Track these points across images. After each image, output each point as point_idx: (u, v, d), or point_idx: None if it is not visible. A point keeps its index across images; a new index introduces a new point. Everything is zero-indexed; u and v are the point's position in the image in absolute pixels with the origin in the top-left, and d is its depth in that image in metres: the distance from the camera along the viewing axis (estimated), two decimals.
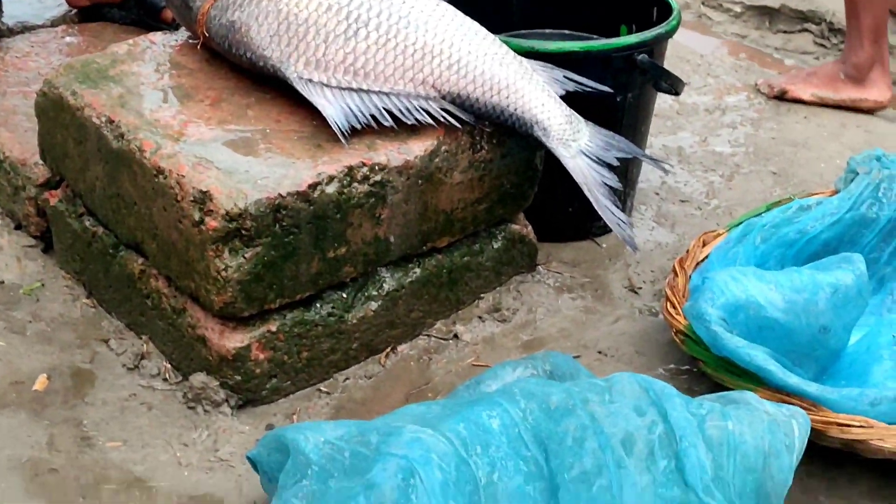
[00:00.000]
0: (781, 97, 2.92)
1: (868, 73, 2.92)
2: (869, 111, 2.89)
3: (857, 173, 2.22)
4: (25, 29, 2.86)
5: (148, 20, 2.92)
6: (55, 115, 2.17)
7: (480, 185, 2.13)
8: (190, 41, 2.25)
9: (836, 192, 2.24)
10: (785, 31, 3.30)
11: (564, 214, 2.39)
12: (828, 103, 2.90)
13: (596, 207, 2.02)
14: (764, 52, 3.23)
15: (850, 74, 2.93)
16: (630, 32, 2.49)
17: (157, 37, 2.29)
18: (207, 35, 2.15)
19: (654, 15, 2.44)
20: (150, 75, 2.17)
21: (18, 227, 2.42)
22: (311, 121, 2.04)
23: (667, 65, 2.38)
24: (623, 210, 2.42)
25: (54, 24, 2.90)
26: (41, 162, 2.29)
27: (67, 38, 2.80)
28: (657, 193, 2.58)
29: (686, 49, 3.17)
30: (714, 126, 2.83)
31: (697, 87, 3.00)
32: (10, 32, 2.83)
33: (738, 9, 3.39)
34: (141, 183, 1.99)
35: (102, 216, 2.16)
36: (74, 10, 2.97)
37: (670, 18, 2.31)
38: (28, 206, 2.37)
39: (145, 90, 2.13)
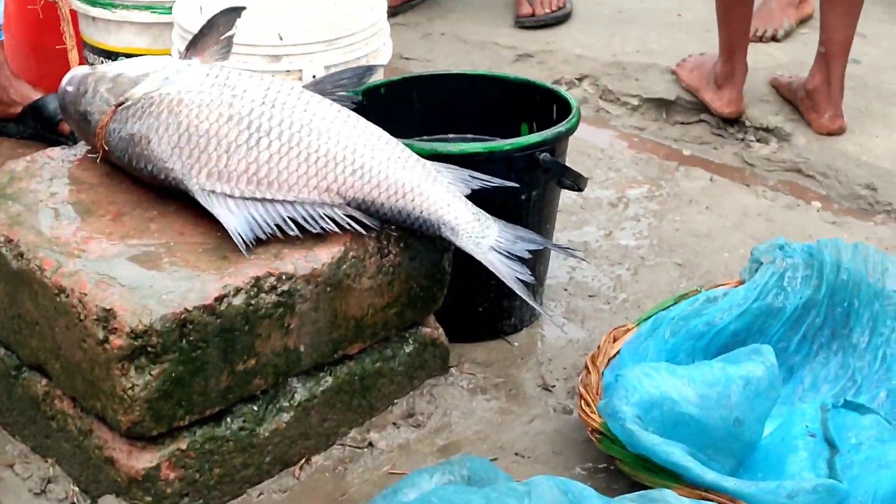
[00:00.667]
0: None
1: (723, 84, 3.22)
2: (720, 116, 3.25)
3: (762, 263, 2.24)
4: None
5: (45, 134, 2.89)
6: None
7: (390, 289, 2.11)
8: (89, 155, 2.22)
9: (742, 282, 2.26)
10: (682, 123, 3.35)
11: (474, 314, 2.38)
12: (694, 95, 3.33)
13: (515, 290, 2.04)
14: (663, 143, 3.28)
15: (716, 80, 3.24)
16: (531, 131, 2.50)
17: (56, 152, 2.26)
18: (107, 149, 2.12)
19: (554, 112, 2.46)
20: (48, 192, 2.14)
21: None
22: (216, 232, 2.01)
23: (569, 160, 2.40)
24: (531, 308, 2.44)
25: None
26: None
27: None
28: (565, 289, 2.58)
29: (587, 143, 3.19)
30: (618, 219, 2.86)
31: (600, 182, 3.02)
32: None
33: (635, 101, 3.44)
34: (42, 302, 1.95)
35: (3, 337, 2.11)
36: None
37: (570, 116, 2.33)
38: None
39: (44, 207, 2.09)
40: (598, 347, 2.19)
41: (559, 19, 3.87)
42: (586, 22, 3.89)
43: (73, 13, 2.73)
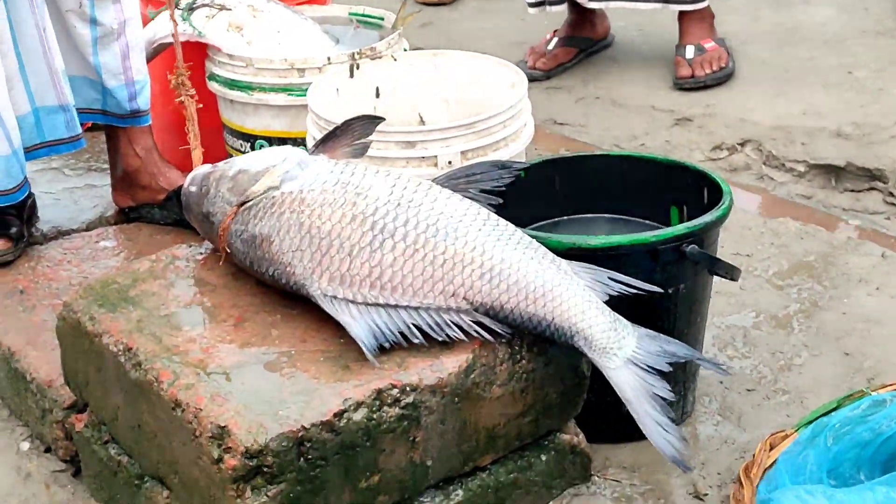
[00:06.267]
0: None
1: None
2: None
3: None
4: (60, 234, 2.80)
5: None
6: (75, 340, 2.08)
7: (524, 397, 1.98)
8: (215, 254, 2.15)
9: None
10: (852, 190, 3.15)
11: (619, 412, 2.23)
12: None
13: (641, 426, 1.86)
14: (830, 213, 3.07)
15: None
16: (681, 214, 2.35)
17: (181, 251, 2.20)
18: (229, 251, 2.05)
19: (705, 195, 2.30)
20: (171, 295, 2.08)
21: (48, 450, 2.32)
22: (339, 338, 1.92)
23: (727, 234, 2.23)
24: (683, 407, 2.28)
25: (89, 227, 2.85)
26: None
27: (102, 243, 2.74)
28: (721, 382, 2.41)
29: (747, 214, 3.02)
30: (780, 302, 2.67)
31: (761, 258, 2.84)
32: (45, 238, 2.78)
33: (801, 168, 3.25)
34: (160, 415, 1.88)
35: (126, 446, 2.05)
36: (112, 212, 2.90)
37: (720, 204, 2.17)
38: (56, 429, 2.28)
39: (166, 311, 2.03)
40: (754, 456, 2.02)
41: (720, 80, 3.69)
42: (749, 82, 3.70)
43: (201, 111, 2.69)
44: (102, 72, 2.71)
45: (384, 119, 2.16)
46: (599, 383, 2.08)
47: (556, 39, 3.95)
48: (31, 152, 2.65)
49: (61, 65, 2.61)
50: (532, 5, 3.86)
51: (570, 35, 3.96)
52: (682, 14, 3.77)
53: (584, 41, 3.99)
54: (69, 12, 2.63)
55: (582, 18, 3.96)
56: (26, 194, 2.67)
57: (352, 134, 2.10)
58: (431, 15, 4.46)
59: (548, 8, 3.82)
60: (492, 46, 4.05)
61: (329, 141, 2.10)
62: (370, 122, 2.12)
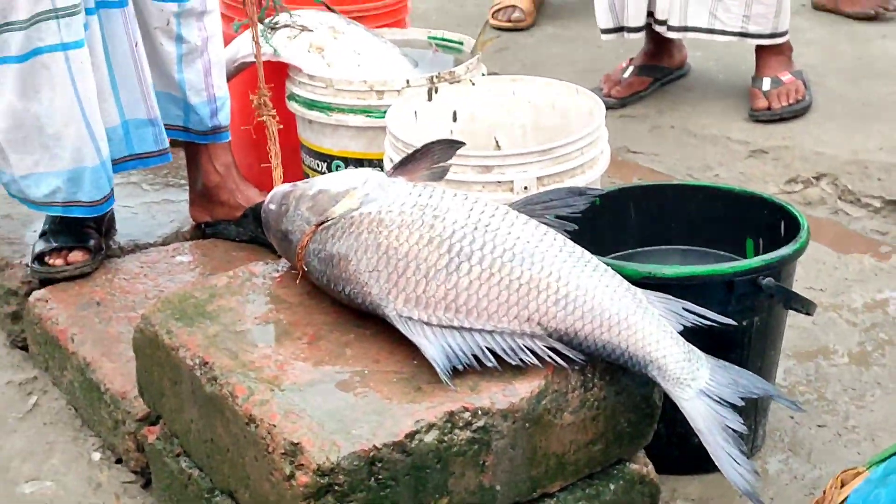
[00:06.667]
0: None
1: None
2: None
3: None
4: (137, 247, 2.84)
5: (263, 237, 2.87)
6: (151, 353, 2.10)
7: (594, 425, 1.98)
8: (292, 271, 2.17)
9: None
10: None
11: (689, 444, 2.22)
12: None
13: (713, 458, 1.85)
14: None
15: None
16: (757, 246, 2.34)
17: (259, 267, 2.22)
18: (306, 269, 2.07)
19: (782, 228, 2.29)
20: (248, 311, 2.10)
21: (119, 461, 2.35)
22: (412, 360, 1.93)
23: (802, 269, 2.21)
24: (753, 440, 2.27)
25: (165, 241, 2.88)
26: None
27: (178, 258, 2.77)
28: (792, 417, 2.39)
29: (821, 250, 3.00)
30: (856, 339, 2.65)
31: (835, 294, 2.82)
32: (122, 252, 2.81)
33: (877, 203, 3.22)
34: (233, 430, 1.90)
35: (198, 459, 2.07)
36: (188, 227, 2.94)
37: (798, 237, 2.16)
38: (128, 440, 2.31)
39: (242, 327, 2.05)
40: (824, 493, 1.99)
41: (797, 113, 3.66)
42: (826, 116, 3.67)
43: (280, 130, 2.73)
44: (186, 88, 2.75)
45: (464, 143, 2.17)
46: (670, 414, 2.08)
47: (631, 68, 3.95)
48: (119, 164, 2.69)
49: (150, 79, 2.65)
50: (606, 31, 3.84)
51: (645, 64, 3.95)
52: (759, 46, 3.75)
53: (660, 70, 3.98)
54: (157, 29, 2.67)
55: (659, 47, 3.96)
56: (111, 206, 2.71)
57: (431, 157, 2.11)
58: (507, 40, 4.47)
59: (626, 35, 3.81)
60: (567, 72, 4.06)
61: (408, 164, 2.11)
62: (450, 146, 2.13)
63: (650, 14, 3.74)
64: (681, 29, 3.72)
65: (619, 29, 3.81)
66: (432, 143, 2.13)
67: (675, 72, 4.03)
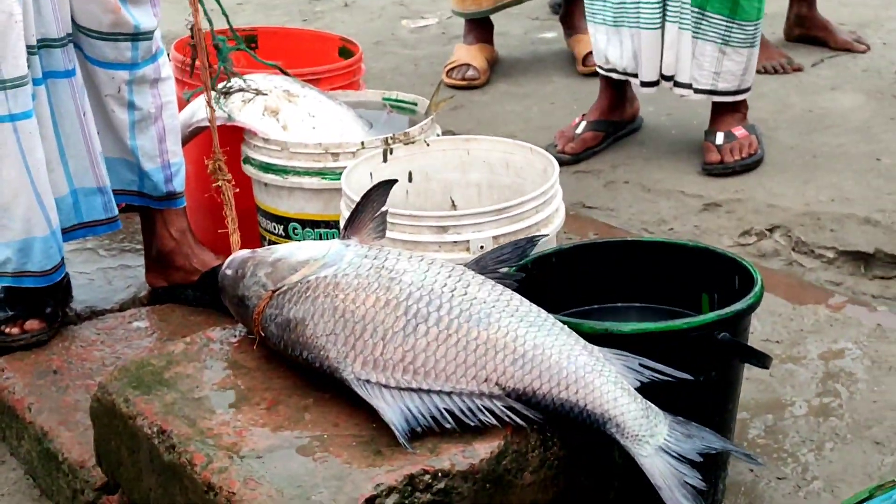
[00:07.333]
0: None
1: None
2: None
3: None
4: (93, 314, 2.83)
5: (219, 302, 2.87)
6: (108, 421, 2.09)
7: (555, 483, 1.98)
8: (249, 336, 2.17)
9: None
10: (882, 277, 3.15)
11: (650, 502, 2.22)
12: None
13: None
14: (860, 299, 3.07)
15: None
16: (712, 301, 2.36)
17: (216, 333, 2.22)
18: (263, 334, 2.07)
19: (736, 282, 2.31)
20: (205, 377, 2.09)
21: None
22: (372, 423, 1.93)
23: (757, 320, 2.23)
24: (713, 495, 2.27)
25: (123, 307, 2.87)
26: None
27: (135, 324, 2.76)
28: (751, 470, 2.40)
29: (776, 302, 3.02)
30: (812, 390, 2.66)
31: (791, 346, 2.84)
32: (79, 318, 2.80)
33: (830, 255, 3.25)
34: (192, 499, 1.89)
35: None
36: (145, 292, 2.93)
37: (752, 293, 2.17)
38: None
39: (200, 394, 2.05)
40: None
41: (749, 167, 3.71)
42: (778, 168, 3.72)
43: (236, 194, 2.74)
44: (140, 154, 2.75)
45: (397, 181, 2.22)
46: (630, 471, 2.09)
47: (584, 123, 3.98)
48: (69, 233, 2.69)
49: (99, 147, 2.65)
50: (615, 72, 3.87)
51: (599, 119, 3.99)
52: (715, 102, 3.79)
53: (613, 125, 4.01)
54: (108, 97, 2.68)
55: (612, 102, 3.99)
56: (63, 275, 2.70)
57: (372, 206, 2.14)
58: (461, 98, 4.50)
59: (638, 87, 3.83)
60: (521, 129, 4.10)
61: (354, 220, 2.15)
62: (385, 187, 2.17)
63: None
64: (684, 86, 3.75)
65: (633, 75, 3.83)
66: (368, 191, 2.17)
67: (627, 125, 4.08)
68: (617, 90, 3.97)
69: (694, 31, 3.63)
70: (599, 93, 4.00)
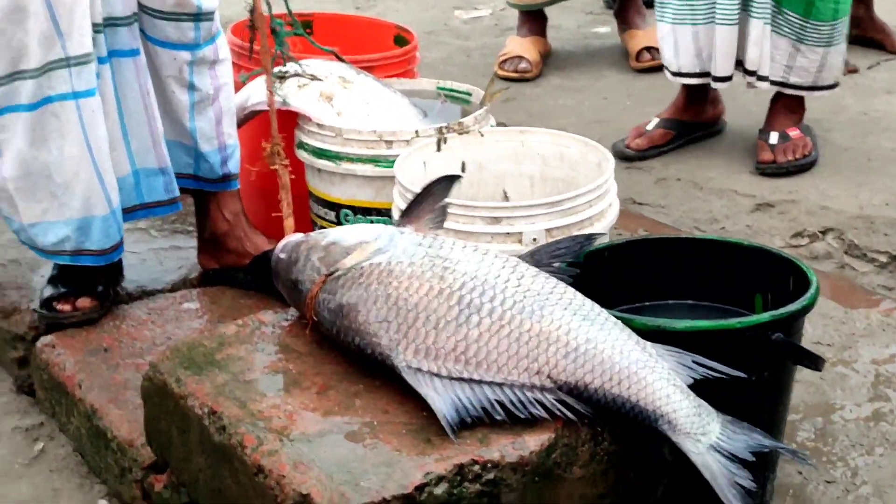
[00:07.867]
0: None
1: None
2: None
3: None
4: (144, 294, 2.83)
5: (271, 286, 2.87)
6: (160, 401, 2.10)
7: (604, 479, 1.98)
8: (301, 321, 2.17)
9: None
10: None
11: (698, 499, 2.21)
12: None
13: None
14: None
15: None
16: (765, 301, 2.34)
17: (268, 316, 2.23)
18: (316, 319, 2.07)
19: (790, 283, 2.29)
20: (257, 360, 2.10)
21: None
22: (422, 411, 1.93)
23: (808, 321, 2.20)
24: (762, 497, 2.26)
25: (174, 288, 2.88)
26: None
27: (185, 305, 2.77)
28: (800, 472, 2.38)
29: (829, 304, 2.99)
30: (863, 394, 2.64)
31: (842, 348, 2.81)
32: (130, 298, 2.81)
33: (883, 259, 3.22)
34: (242, 480, 1.90)
35: None
36: (196, 274, 2.94)
37: (807, 293, 2.16)
38: (134, 488, 2.30)
39: (251, 376, 2.05)
40: None
41: (803, 167, 3.68)
42: (831, 170, 3.69)
43: (291, 181, 2.75)
44: (198, 136, 2.76)
45: (461, 176, 2.21)
46: (679, 468, 2.08)
47: (657, 120, 3.91)
48: (129, 213, 2.70)
49: (161, 128, 2.66)
50: (682, 75, 3.81)
51: (670, 117, 3.92)
52: (773, 100, 3.74)
53: (686, 125, 3.93)
54: (169, 77, 2.69)
55: (688, 102, 3.92)
56: (121, 255, 2.71)
57: (433, 198, 2.13)
58: (513, 90, 4.49)
59: (711, 83, 3.78)
60: (573, 124, 4.08)
61: (413, 209, 2.14)
62: (449, 181, 2.16)
63: (739, 63, 3.72)
64: (763, 79, 3.71)
65: (704, 74, 3.78)
66: (431, 183, 2.16)
67: (706, 127, 3.98)
68: (692, 89, 3.90)
69: (773, 26, 3.60)
70: (680, 91, 3.94)
